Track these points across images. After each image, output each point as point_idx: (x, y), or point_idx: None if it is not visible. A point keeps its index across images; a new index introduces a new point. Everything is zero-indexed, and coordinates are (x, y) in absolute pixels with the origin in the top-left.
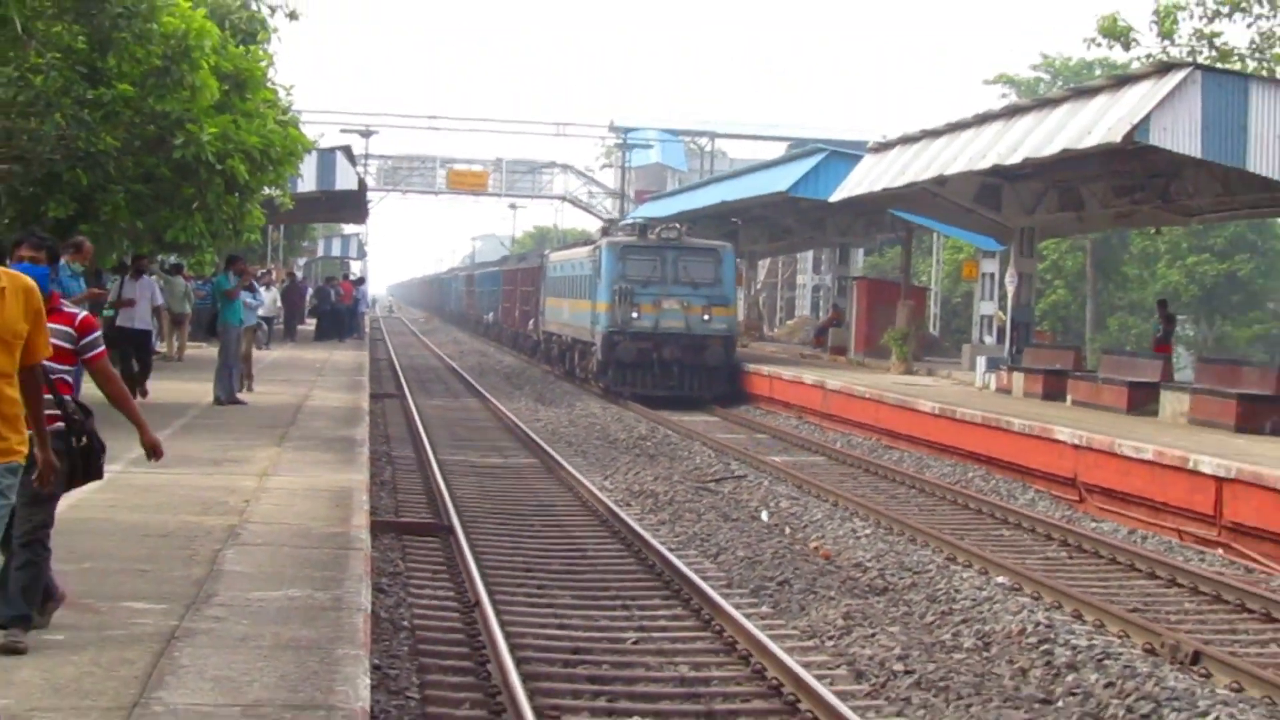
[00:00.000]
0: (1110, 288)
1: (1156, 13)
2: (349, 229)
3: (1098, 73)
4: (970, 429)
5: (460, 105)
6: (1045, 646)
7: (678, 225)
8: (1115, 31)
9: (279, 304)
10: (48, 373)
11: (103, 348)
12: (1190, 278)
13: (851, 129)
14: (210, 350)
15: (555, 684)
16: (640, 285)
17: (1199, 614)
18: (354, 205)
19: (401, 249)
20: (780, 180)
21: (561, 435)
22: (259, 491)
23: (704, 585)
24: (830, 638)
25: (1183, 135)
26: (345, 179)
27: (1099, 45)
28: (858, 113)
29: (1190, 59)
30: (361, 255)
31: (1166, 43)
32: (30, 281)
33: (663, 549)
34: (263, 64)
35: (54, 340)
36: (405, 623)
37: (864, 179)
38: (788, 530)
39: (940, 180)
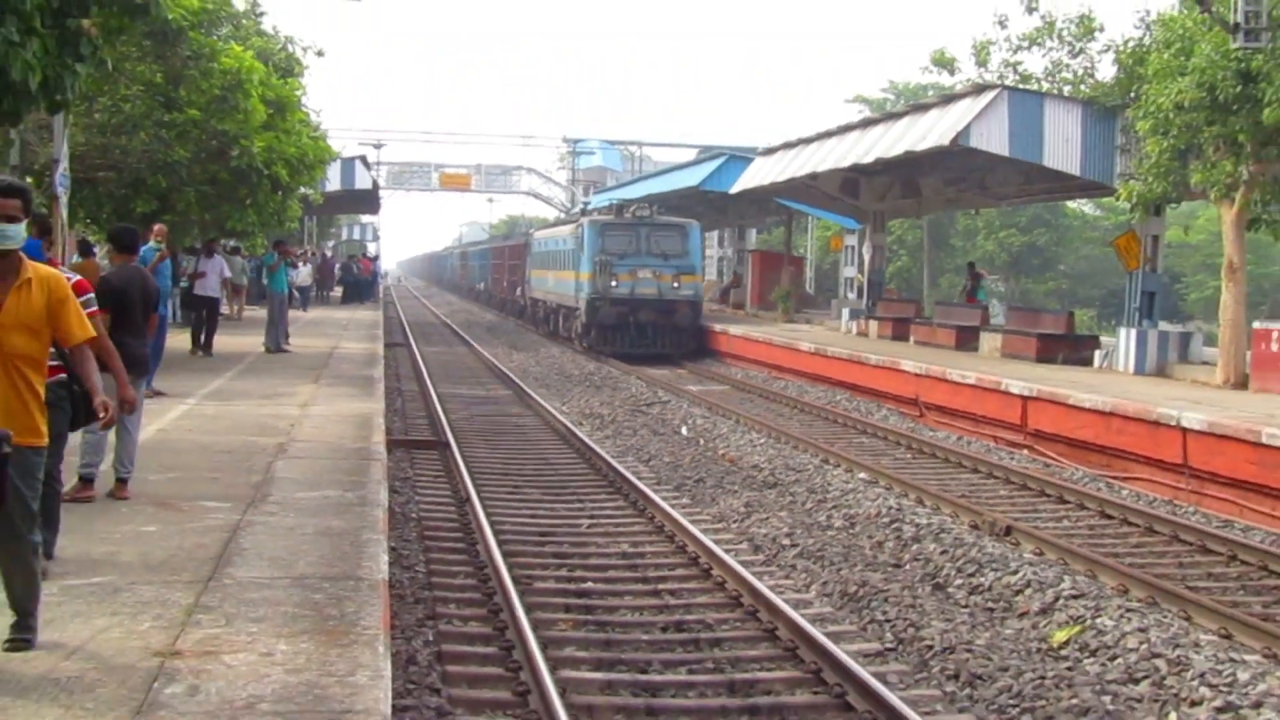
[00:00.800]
0: (941, 255)
1: (974, 47)
2: (365, 218)
3: (930, 93)
4: (837, 363)
5: (449, 121)
6: (895, 525)
7: (650, 205)
8: (944, 62)
9: (313, 276)
10: None
11: (94, 308)
12: (1001, 247)
13: (745, 137)
14: (262, 312)
15: (529, 559)
16: (618, 257)
17: (1010, 499)
18: (369, 201)
19: (406, 233)
20: (692, 178)
21: (530, 373)
22: (301, 418)
23: (639, 483)
24: (734, 521)
25: (995, 139)
26: (362, 180)
27: (931, 72)
28: (750, 124)
29: (1000, 82)
30: (375, 238)
31: (982, 70)
32: (53, 272)
33: (607, 456)
34: (297, 92)
35: None
36: (414, 515)
37: (755, 175)
38: (701, 441)
39: (813, 176)
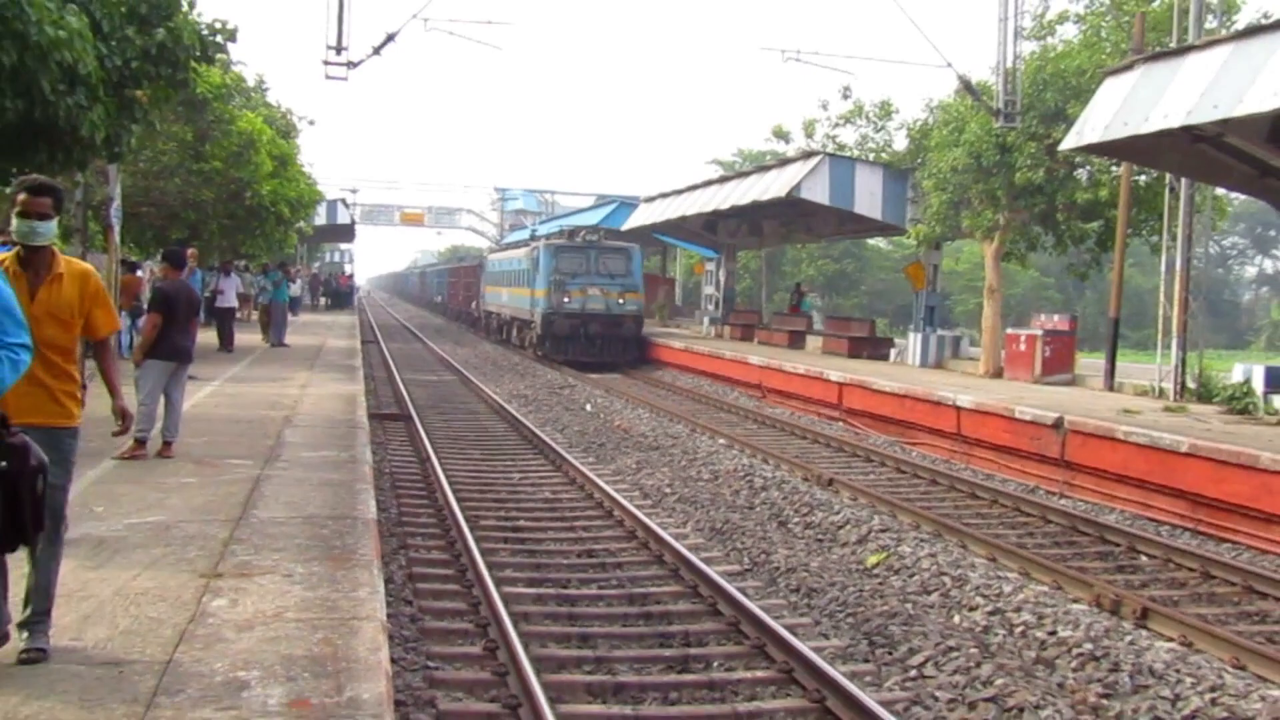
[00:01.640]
0: (775, 277)
1: (804, 124)
2: (344, 245)
3: (769, 157)
4: (699, 356)
5: (408, 170)
6: (748, 477)
7: (599, 229)
8: (781, 134)
9: (305, 289)
10: None
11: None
12: (819, 271)
13: (631, 187)
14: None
15: (473, 502)
16: (570, 276)
17: (831, 458)
18: (347, 232)
19: (374, 256)
20: (593, 218)
21: (470, 363)
22: (301, 396)
23: (555, 446)
24: (628, 475)
25: (818, 193)
26: (342, 217)
27: (771, 141)
28: (635, 175)
29: (823, 150)
30: (351, 260)
31: (809, 140)
32: (86, 267)
33: (531, 425)
34: (295, 150)
35: None
36: (387, 470)
37: (640, 217)
38: (601, 415)
39: (683, 218)
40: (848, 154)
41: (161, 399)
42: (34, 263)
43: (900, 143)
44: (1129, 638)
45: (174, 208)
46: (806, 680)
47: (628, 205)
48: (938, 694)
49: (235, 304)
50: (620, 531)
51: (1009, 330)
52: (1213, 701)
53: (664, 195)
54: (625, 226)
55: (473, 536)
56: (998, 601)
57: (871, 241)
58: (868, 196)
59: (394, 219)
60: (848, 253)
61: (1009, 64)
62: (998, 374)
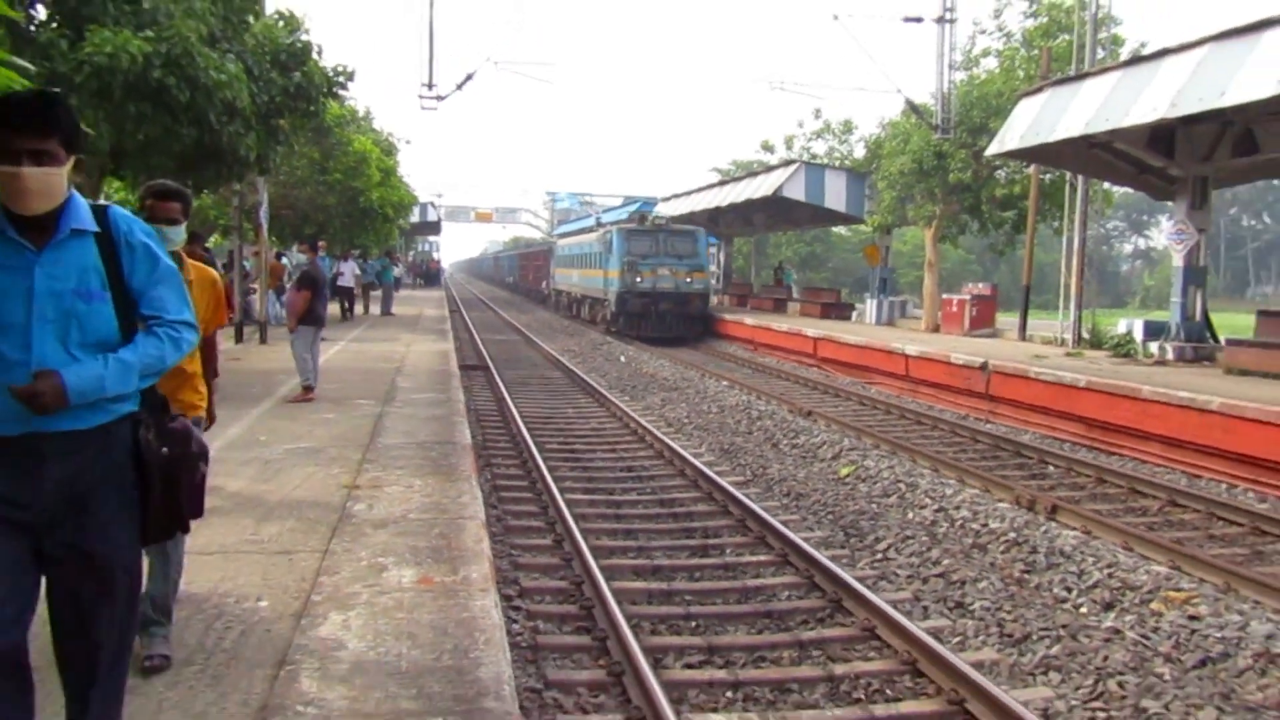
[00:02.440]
0: (761, 258)
1: (785, 139)
2: (432, 237)
3: (757, 165)
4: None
5: (481, 177)
6: (747, 410)
7: (664, 216)
8: (767, 147)
9: (406, 271)
10: None
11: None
12: (796, 253)
13: (650, 189)
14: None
15: (540, 431)
16: (641, 258)
17: (809, 395)
18: (435, 228)
19: (454, 245)
20: (621, 214)
21: (532, 326)
22: (406, 353)
23: (599, 387)
24: (655, 409)
25: (797, 192)
26: (431, 216)
27: (759, 152)
28: (653, 179)
29: (800, 159)
30: (438, 249)
31: (790, 151)
32: (213, 274)
33: (579, 371)
34: (396, 164)
35: None
36: (473, 408)
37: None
38: (633, 365)
39: (691, 214)
40: (819, 162)
41: None
42: None
43: (859, 152)
44: (1043, 528)
45: (306, 210)
46: (798, 562)
47: (648, 204)
48: (898, 571)
49: (352, 283)
50: (650, 452)
51: (944, 296)
52: (1109, 575)
53: (676, 195)
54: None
55: (540, 456)
56: (942, 502)
57: (836, 229)
58: (835, 194)
59: (470, 217)
60: (818, 238)
61: (944, 89)
62: (936, 329)
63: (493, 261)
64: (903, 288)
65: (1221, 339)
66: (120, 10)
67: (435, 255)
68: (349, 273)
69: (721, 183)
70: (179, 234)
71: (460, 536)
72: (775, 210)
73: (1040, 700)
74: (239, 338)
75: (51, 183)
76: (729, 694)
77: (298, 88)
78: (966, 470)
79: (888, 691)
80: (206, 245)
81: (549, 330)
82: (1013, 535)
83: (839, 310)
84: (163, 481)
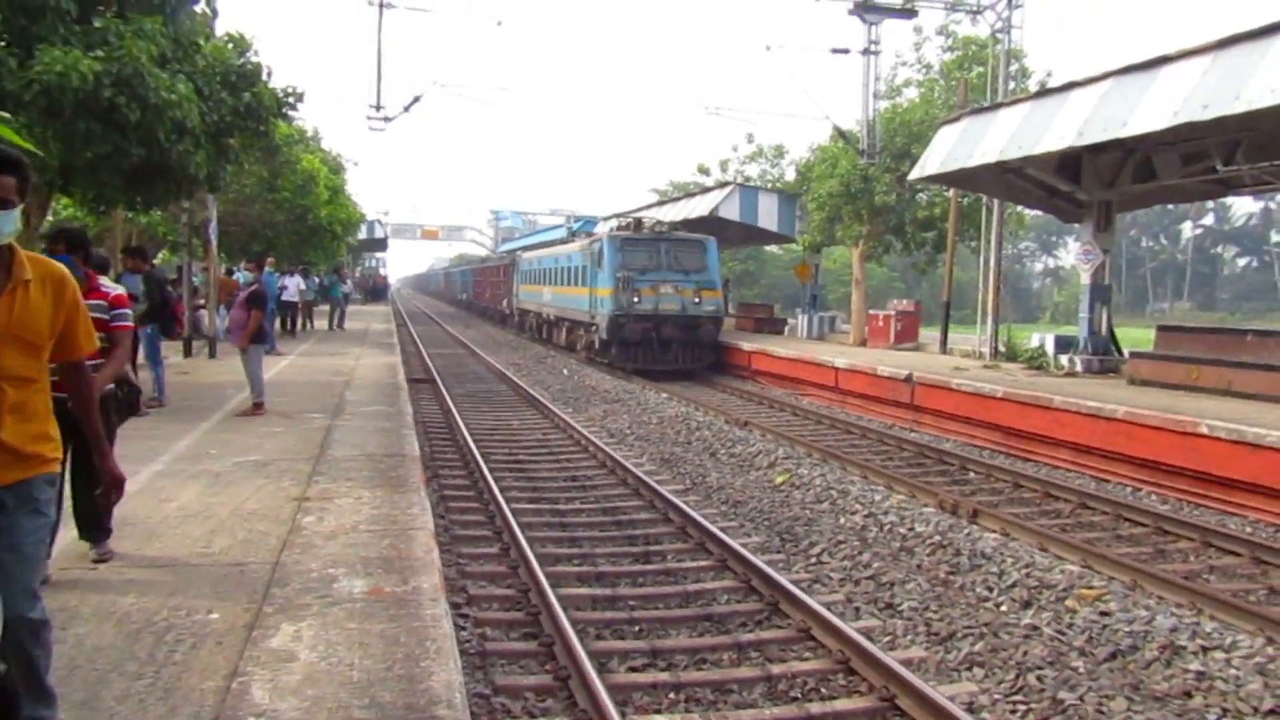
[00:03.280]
0: None
1: (720, 162)
2: (379, 254)
3: (693, 187)
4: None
5: (426, 196)
6: (686, 421)
7: (665, 221)
8: (703, 169)
9: (354, 287)
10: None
11: (128, 323)
12: (731, 271)
13: (591, 208)
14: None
15: (485, 442)
16: (639, 273)
17: (744, 406)
18: (382, 245)
19: (401, 263)
20: (562, 232)
21: (476, 340)
22: (356, 366)
23: (543, 399)
24: (597, 420)
25: (731, 212)
26: (378, 233)
27: (696, 175)
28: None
29: (734, 181)
30: (385, 265)
31: (725, 173)
32: (63, 270)
33: (524, 384)
34: (344, 183)
35: (92, 314)
36: (420, 420)
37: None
38: (576, 377)
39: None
40: (753, 184)
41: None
42: None
43: (791, 175)
44: (966, 531)
45: (255, 227)
46: (736, 567)
47: (590, 223)
48: (831, 574)
49: (296, 298)
50: (594, 462)
51: (871, 311)
52: (1027, 575)
53: (617, 215)
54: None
55: (486, 467)
56: (871, 507)
57: (768, 248)
58: (767, 215)
59: (416, 234)
60: (751, 256)
61: (870, 117)
62: (863, 343)
63: (442, 277)
64: (831, 304)
65: (1125, 352)
66: (70, 30)
67: (382, 271)
68: (293, 287)
69: (660, 203)
70: (9, 220)
71: (410, 547)
72: (712, 229)
73: (966, 695)
74: (188, 352)
75: None
76: (672, 695)
77: (247, 108)
78: (894, 477)
79: (823, 690)
80: (153, 261)
81: (493, 344)
82: (938, 538)
83: (772, 325)
84: None
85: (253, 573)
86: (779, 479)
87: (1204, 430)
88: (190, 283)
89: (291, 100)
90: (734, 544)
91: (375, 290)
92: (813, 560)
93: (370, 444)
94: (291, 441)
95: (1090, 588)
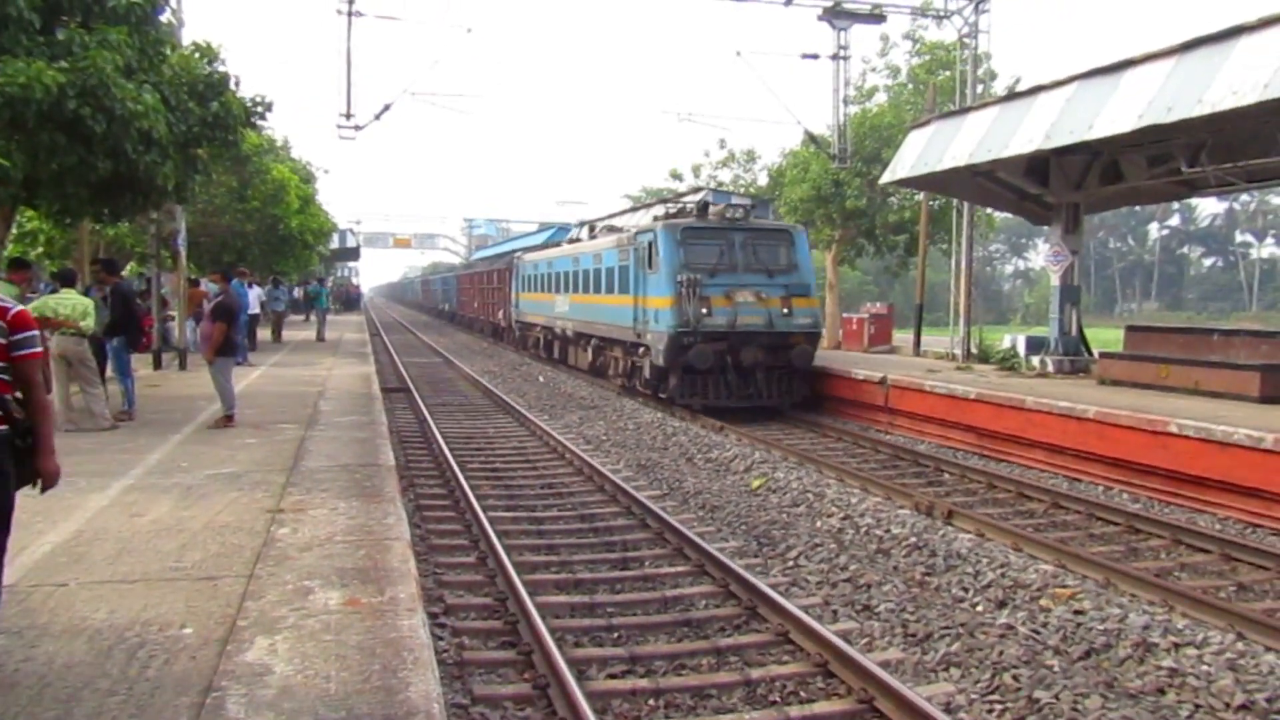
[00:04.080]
0: None
1: (692, 167)
2: (352, 263)
3: (666, 193)
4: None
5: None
6: (662, 427)
7: (741, 204)
8: (675, 175)
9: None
10: None
11: (36, 349)
12: None
13: (565, 216)
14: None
15: (460, 450)
16: (708, 275)
17: (722, 412)
18: (354, 254)
19: (374, 272)
20: (538, 239)
21: (451, 349)
22: (329, 376)
23: (519, 407)
24: (573, 427)
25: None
26: (350, 242)
27: (668, 180)
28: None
29: (706, 186)
30: (357, 274)
31: (697, 179)
32: None
33: (499, 392)
34: (315, 192)
35: None
36: (395, 429)
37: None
38: (551, 384)
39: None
40: (725, 189)
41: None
42: None
43: (763, 180)
44: (941, 532)
45: (225, 238)
46: (714, 572)
47: (564, 229)
48: (809, 577)
49: (257, 310)
50: (570, 469)
51: (844, 315)
52: (1002, 575)
53: (589, 221)
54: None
55: (463, 475)
56: (847, 510)
57: None
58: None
59: (388, 243)
60: None
61: (840, 122)
62: (838, 346)
63: (420, 286)
64: None
65: (1095, 352)
66: (34, 41)
67: (355, 280)
68: (253, 299)
69: (633, 209)
70: None
71: (386, 557)
72: None
73: (943, 695)
74: (158, 364)
75: None
76: (651, 702)
77: (216, 118)
78: (869, 479)
79: (802, 693)
80: (122, 273)
81: (468, 352)
82: (913, 540)
83: None
84: None
85: (226, 586)
86: (755, 483)
87: (1174, 429)
88: (159, 295)
89: (260, 109)
90: (711, 549)
91: (348, 300)
92: (790, 564)
93: (345, 454)
94: (265, 453)
95: (1064, 586)
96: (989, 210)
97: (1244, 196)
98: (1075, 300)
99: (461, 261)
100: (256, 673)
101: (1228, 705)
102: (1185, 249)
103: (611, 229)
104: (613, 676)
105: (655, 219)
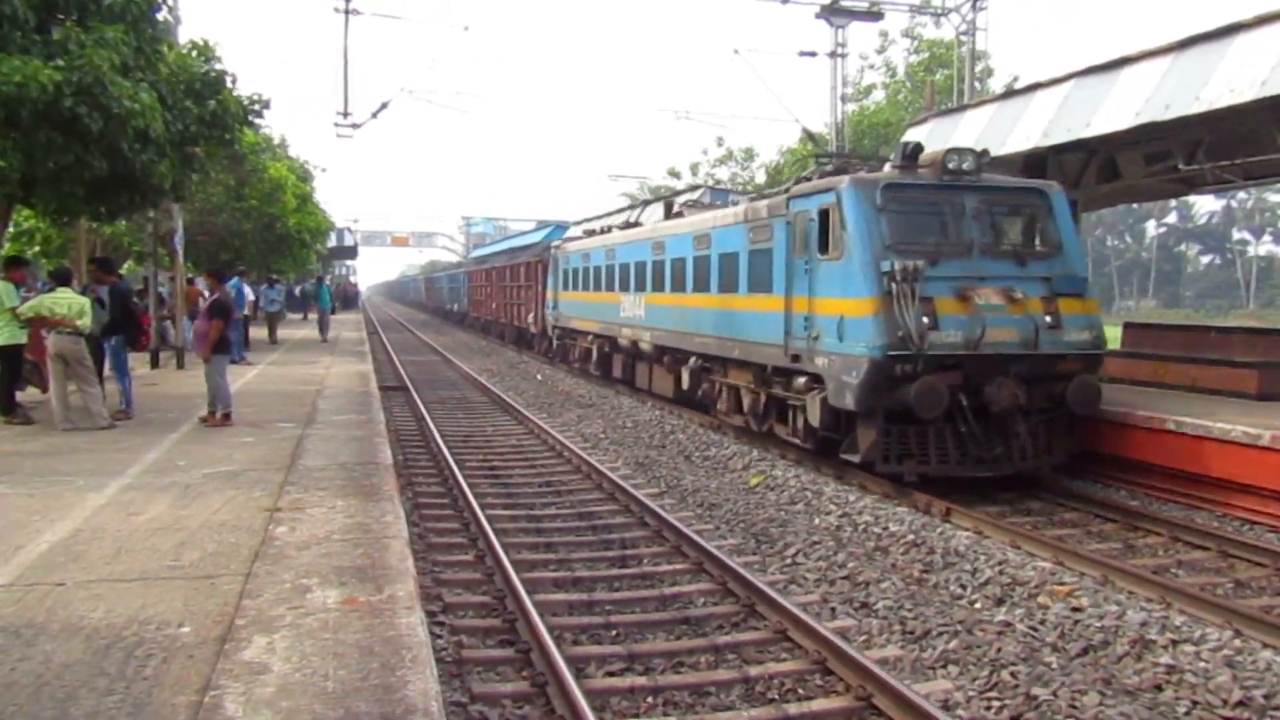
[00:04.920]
0: None
1: (690, 165)
2: (349, 261)
3: (664, 190)
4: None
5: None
6: (660, 425)
7: (968, 150)
8: (674, 173)
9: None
10: None
11: None
12: None
13: (563, 214)
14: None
15: (459, 448)
16: (928, 262)
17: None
18: (352, 252)
19: (372, 270)
20: (537, 237)
21: (449, 347)
22: (328, 374)
23: (517, 405)
24: (571, 425)
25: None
26: (348, 240)
27: (667, 178)
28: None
29: (704, 184)
30: (355, 273)
31: (695, 177)
32: None
33: (497, 390)
34: (312, 190)
35: None
36: (393, 427)
37: (571, 235)
38: (549, 383)
39: (602, 234)
40: (723, 187)
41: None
42: None
43: (761, 178)
44: (939, 530)
45: (222, 236)
46: (713, 569)
47: (561, 228)
48: (807, 575)
49: (246, 309)
50: (568, 466)
51: None
52: (1000, 572)
53: (589, 219)
54: (559, 244)
55: (461, 474)
56: (846, 508)
57: None
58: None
59: (386, 241)
60: None
61: (838, 119)
62: None
63: (423, 284)
64: None
65: None
66: (30, 39)
67: (353, 279)
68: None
69: (631, 207)
70: None
71: (384, 555)
72: None
73: (941, 693)
74: (155, 363)
75: None
76: (649, 699)
77: (213, 116)
78: (868, 477)
79: (800, 690)
80: (120, 272)
81: (466, 350)
82: (911, 537)
83: None
84: None
85: (224, 585)
86: (754, 481)
87: (1171, 427)
88: (156, 293)
89: (257, 108)
90: (710, 546)
91: (346, 298)
92: (788, 561)
93: (343, 453)
94: (262, 452)
95: (1062, 584)
96: None
97: (1241, 194)
98: None
99: (460, 259)
100: (254, 671)
101: (1225, 702)
102: (1183, 246)
103: (694, 205)
104: (611, 674)
105: (822, 173)
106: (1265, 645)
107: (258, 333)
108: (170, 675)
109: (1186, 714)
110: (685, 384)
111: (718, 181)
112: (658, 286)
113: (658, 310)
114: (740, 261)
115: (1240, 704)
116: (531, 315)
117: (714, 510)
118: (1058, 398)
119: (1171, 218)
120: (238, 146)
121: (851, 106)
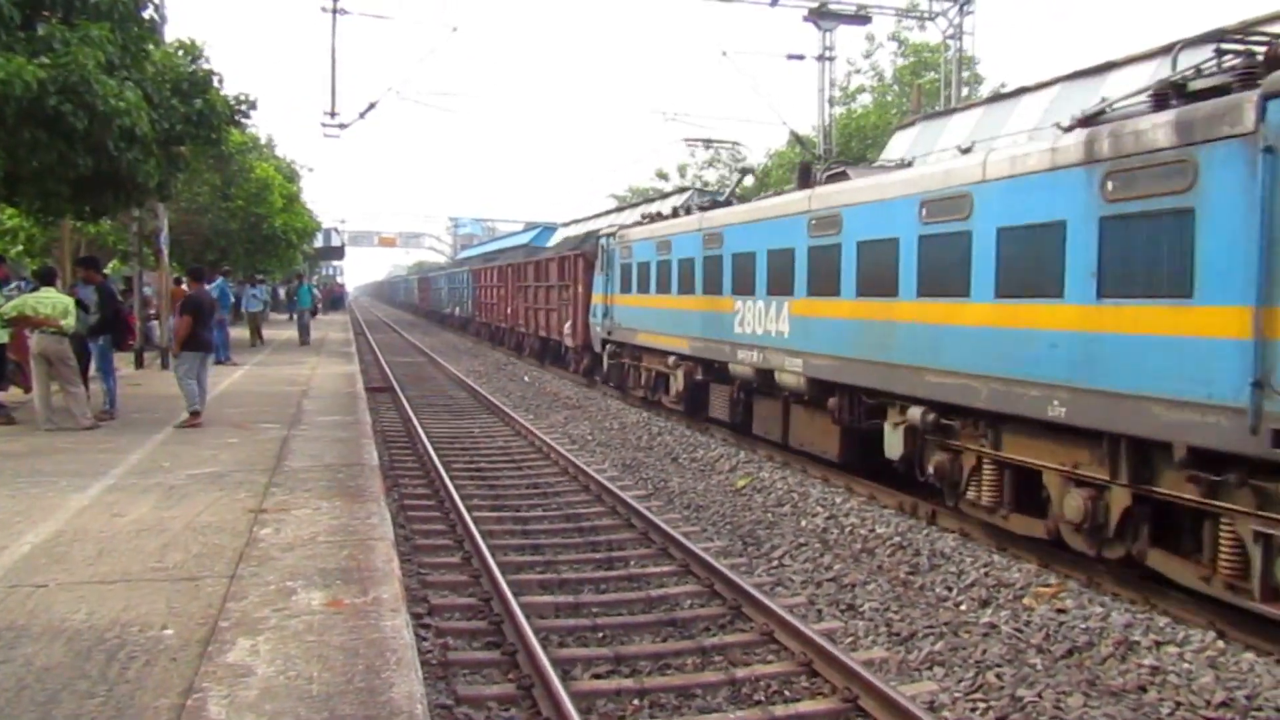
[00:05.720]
0: None
1: (678, 167)
2: (336, 262)
3: (652, 192)
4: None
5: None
6: (648, 427)
7: None
8: (662, 174)
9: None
10: None
11: None
12: None
13: (551, 215)
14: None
15: (446, 450)
16: None
17: None
18: (339, 253)
19: (359, 271)
20: (524, 239)
21: (435, 348)
22: (313, 375)
23: (504, 406)
24: (558, 426)
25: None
26: (335, 241)
27: (655, 180)
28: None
29: (692, 186)
30: (342, 273)
31: (683, 179)
32: None
33: (485, 393)
34: (299, 190)
35: None
36: (380, 429)
37: (558, 237)
38: (537, 384)
39: (592, 235)
40: (711, 189)
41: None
42: None
43: (749, 180)
44: (925, 532)
45: (208, 236)
46: (699, 571)
47: (549, 229)
48: (794, 577)
49: (259, 307)
50: (555, 468)
51: None
52: (986, 574)
53: (576, 221)
54: (549, 244)
55: (447, 475)
56: (832, 510)
57: None
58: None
59: (373, 241)
60: None
61: (825, 122)
62: None
63: (416, 284)
64: None
65: None
66: (14, 37)
67: (340, 279)
68: (247, 296)
69: (619, 208)
70: None
71: (369, 557)
72: None
73: (926, 694)
74: (139, 363)
75: None
76: (636, 701)
77: (199, 115)
78: (854, 479)
79: (786, 692)
80: (104, 271)
81: (453, 352)
82: (898, 539)
83: None
84: None
85: (208, 587)
86: (740, 483)
87: None
88: (141, 293)
89: (244, 107)
90: (696, 549)
91: (333, 299)
92: (775, 563)
93: (328, 454)
94: (247, 453)
95: (1047, 585)
96: None
97: None
98: None
99: (446, 259)
100: (238, 674)
101: (1208, 702)
102: None
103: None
104: (597, 676)
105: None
106: (1248, 647)
107: (239, 334)
108: (153, 678)
109: (1170, 715)
110: (897, 450)
111: (705, 184)
112: (823, 289)
113: (820, 326)
114: (1073, 240)
115: (1223, 704)
116: (569, 325)
117: (701, 512)
118: None
119: None
120: (224, 146)
121: (839, 109)
